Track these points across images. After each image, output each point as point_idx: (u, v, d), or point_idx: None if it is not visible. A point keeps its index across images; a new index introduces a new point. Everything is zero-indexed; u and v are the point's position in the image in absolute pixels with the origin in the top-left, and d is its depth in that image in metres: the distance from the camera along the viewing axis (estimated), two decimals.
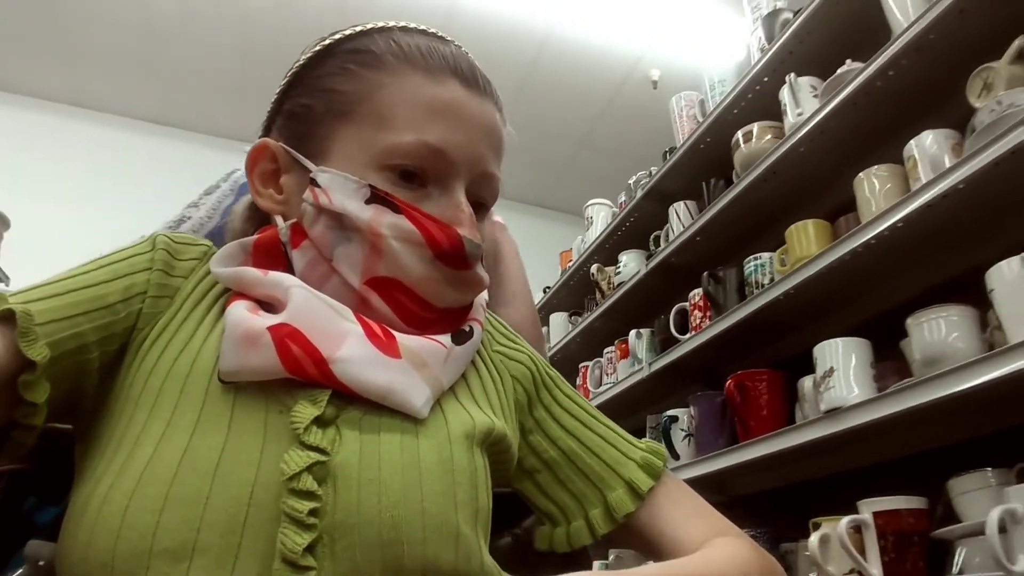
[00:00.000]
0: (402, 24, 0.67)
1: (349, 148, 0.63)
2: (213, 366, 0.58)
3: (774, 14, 2.02)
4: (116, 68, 4.51)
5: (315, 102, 0.65)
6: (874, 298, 1.71)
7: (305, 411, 0.55)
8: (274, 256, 0.64)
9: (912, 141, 1.47)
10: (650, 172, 2.58)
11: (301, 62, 0.68)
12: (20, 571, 0.62)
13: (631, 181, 2.70)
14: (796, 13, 1.92)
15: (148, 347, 0.60)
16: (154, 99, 4.72)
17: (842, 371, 1.48)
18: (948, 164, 1.37)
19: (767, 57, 1.97)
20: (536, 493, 0.70)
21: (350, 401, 0.58)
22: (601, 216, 2.95)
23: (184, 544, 0.50)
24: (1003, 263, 1.22)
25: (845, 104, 1.66)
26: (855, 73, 1.63)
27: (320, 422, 0.56)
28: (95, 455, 0.57)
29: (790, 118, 1.81)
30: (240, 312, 0.58)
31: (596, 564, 1.97)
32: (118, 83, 4.62)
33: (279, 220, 0.64)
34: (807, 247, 1.70)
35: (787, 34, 1.90)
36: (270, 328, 0.56)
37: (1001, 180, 1.29)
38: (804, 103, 1.78)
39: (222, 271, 0.63)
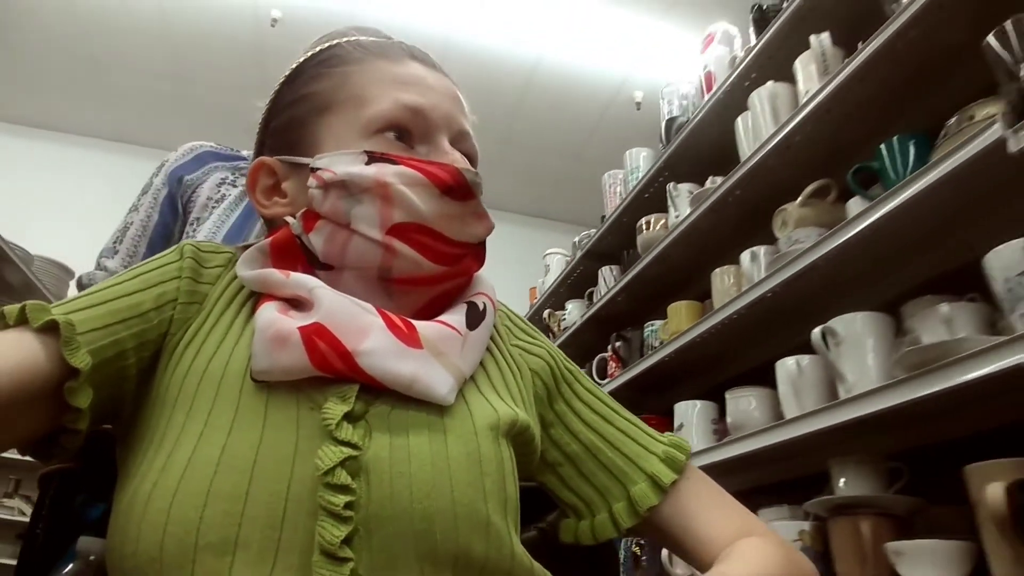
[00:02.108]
0: (359, 33, 0.74)
1: (337, 133, 0.67)
2: (246, 366, 0.59)
3: (672, 120, 2.47)
4: (151, 107, 5.09)
5: (296, 110, 0.70)
6: (723, 369, 2.17)
7: (335, 408, 0.57)
8: (292, 253, 0.66)
9: (742, 254, 1.92)
10: (590, 234, 3.04)
11: (277, 87, 0.74)
12: (72, 565, 0.65)
13: (575, 240, 3.16)
14: (687, 122, 2.37)
15: (182, 351, 0.62)
16: (187, 134, 5.28)
17: (688, 426, 1.95)
18: (760, 277, 1.82)
19: (665, 156, 2.43)
20: (559, 486, 0.71)
21: (377, 396, 0.60)
22: (555, 263, 3.42)
23: (227, 539, 0.52)
24: (784, 359, 1.68)
25: (707, 213, 2.11)
26: (713, 189, 2.08)
27: (350, 418, 0.57)
28: (136, 455, 0.59)
29: (671, 218, 2.26)
30: (271, 314, 0.60)
31: None
32: (152, 119, 5.18)
33: (290, 219, 0.66)
34: (681, 322, 2.16)
35: (675, 143, 2.36)
36: (300, 328, 0.58)
37: (791, 296, 1.75)
38: (681, 206, 2.24)
39: (247, 274, 0.66)
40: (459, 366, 0.63)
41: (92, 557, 0.64)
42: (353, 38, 0.73)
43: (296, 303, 0.63)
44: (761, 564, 0.62)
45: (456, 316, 0.66)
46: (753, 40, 2.05)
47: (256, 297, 0.65)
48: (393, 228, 0.63)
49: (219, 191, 1.41)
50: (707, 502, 0.68)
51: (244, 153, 1.45)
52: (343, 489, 0.53)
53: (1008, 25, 1.23)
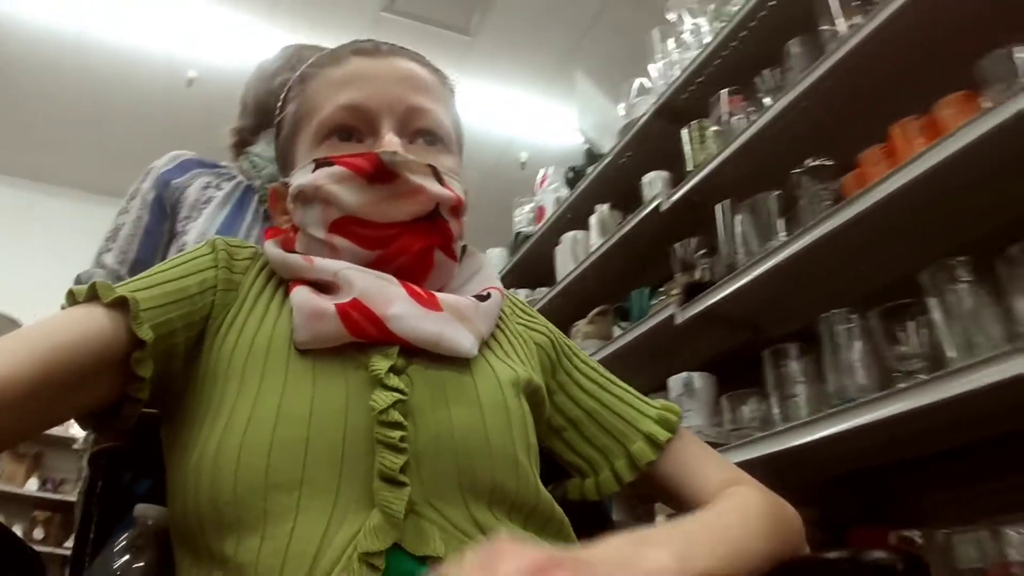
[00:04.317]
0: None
1: (302, 147, 0.75)
2: (289, 339, 0.66)
3: (518, 234, 3.21)
4: (71, 149, 5.40)
5: (282, 136, 0.79)
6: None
7: (381, 363, 0.64)
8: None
9: None
10: None
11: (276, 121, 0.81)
12: (132, 530, 0.69)
13: None
14: (527, 238, 3.11)
15: (225, 332, 0.68)
16: (100, 173, 5.54)
17: None
18: None
19: (511, 264, 3.16)
20: (565, 449, 0.76)
21: (414, 355, 0.67)
22: None
23: (293, 478, 0.59)
24: None
25: (552, 303, 2.84)
26: (540, 298, 2.82)
27: (394, 370, 0.64)
28: (192, 425, 0.65)
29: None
30: (305, 294, 0.67)
31: None
32: (73, 161, 5.50)
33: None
34: None
35: (519, 254, 3.10)
36: (337, 305, 0.65)
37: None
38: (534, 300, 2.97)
39: (275, 253, 0.72)
40: (477, 327, 0.70)
41: (150, 522, 0.69)
42: (315, 57, 0.79)
43: (323, 286, 0.68)
44: (745, 506, 0.66)
45: (466, 295, 0.72)
46: (568, 191, 2.82)
47: (286, 284, 0.71)
48: (332, 225, 0.69)
49: (205, 194, 1.48)
50: (699, 458, 0.74)
51: (222, 163, 1.58)
52: (397, 425, 0.60)
53: (683, 241, 2.01)
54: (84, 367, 0.59)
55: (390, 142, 0.70)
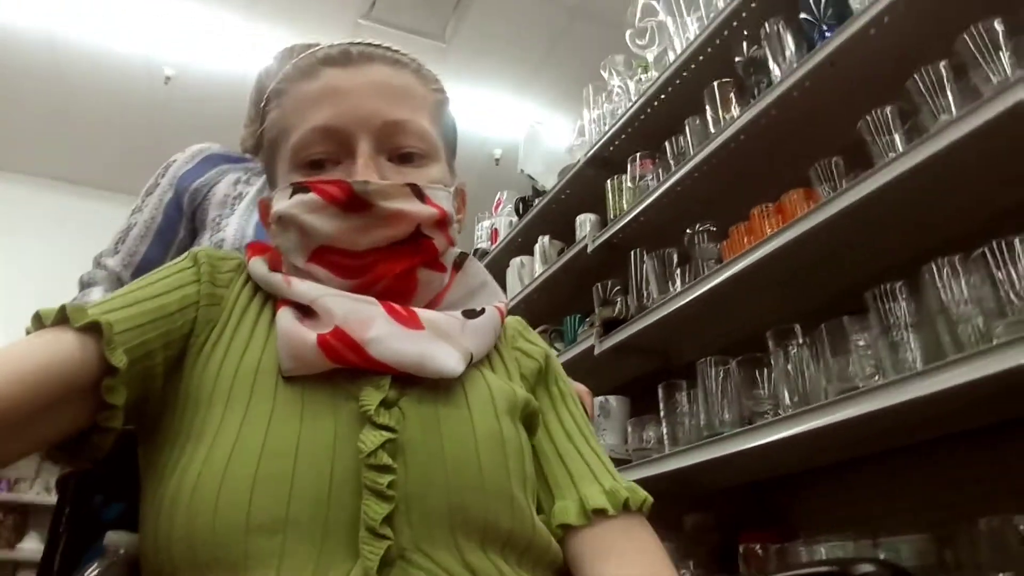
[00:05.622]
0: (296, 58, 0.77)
1: (281, 168, 0.73)
2: (276, 366, 0.64)
3: (476, 250, 3.50)
4: (46, 141, 5.32)
5: (264, 151, 0.78)
6: None
7: (371, 396, 0.62)
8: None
9: None
10: None
11: None
12: (101, 560, 0.66)
13: None
14: (485, 255, 3.40)
15: (210, 351, 0.66)
16: (60, 160, 5.49)
17: None
18: None
19: None
20: None
21: (407, 385, 0.64)
22: None
23: (277, 518, 0.56)
24: None
25: None
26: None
27: (385, 404, 0.62)
28: (172, 449, 0.62)
29: None
30: (288, 321, 0.65)
31: None
32: (26, 144, 5.38)
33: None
34: None
35: None
36: (319, 335, 0.63)
37: None
38: None
39: (260, 272, 0.71)
40: (464, 345, 0.67)
41: (122, 551, 0.65)
42: (286, 68, 0.76)
43: (306, 309, 0.66)
44: None
45: (454, 313, 0.70)
46: (517, 218, 3.12)
47: (274, 299, 0.69)
48: (313, 255, 0.68)
49: (236, 189, 1.43)
50: (630, 558, 0.65)
51: (248, 156, 1.51)
52: (385, 469, 0.58)
53: (603, 281, 2.32)
54: (51, 394, 0.57)
55: (363, 168, 0.68)
